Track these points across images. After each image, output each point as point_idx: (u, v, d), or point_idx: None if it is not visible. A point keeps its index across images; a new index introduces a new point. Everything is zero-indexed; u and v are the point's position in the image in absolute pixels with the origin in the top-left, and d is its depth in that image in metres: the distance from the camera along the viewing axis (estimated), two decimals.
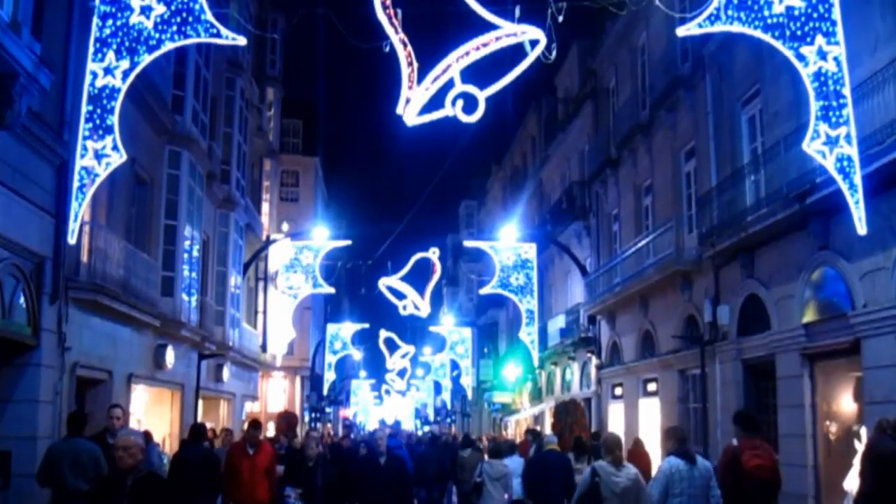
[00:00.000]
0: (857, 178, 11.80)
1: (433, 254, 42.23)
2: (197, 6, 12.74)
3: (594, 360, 31.54)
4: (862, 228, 11.94)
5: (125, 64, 12.68)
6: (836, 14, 12.00)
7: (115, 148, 12.73)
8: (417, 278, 42.51)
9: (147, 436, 16.29)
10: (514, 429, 46.53)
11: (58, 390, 14.68)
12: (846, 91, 11.86)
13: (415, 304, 42.12)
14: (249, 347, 32.58)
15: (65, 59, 14.46)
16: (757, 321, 18.48)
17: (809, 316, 16.33)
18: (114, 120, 12.64)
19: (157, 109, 19.74)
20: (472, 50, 13.64)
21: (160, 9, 12.69)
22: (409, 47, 13.67)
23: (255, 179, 37.27)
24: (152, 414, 21.80)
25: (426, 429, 65.78)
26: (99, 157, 12.69)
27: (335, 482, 13.55)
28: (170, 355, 20.98)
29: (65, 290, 14.91)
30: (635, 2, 16.28)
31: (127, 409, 18.21)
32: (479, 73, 13.85)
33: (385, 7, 13.50)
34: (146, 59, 12.84)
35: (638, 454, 21.25)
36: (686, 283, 22.58)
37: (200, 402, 24.24)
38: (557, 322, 36.35)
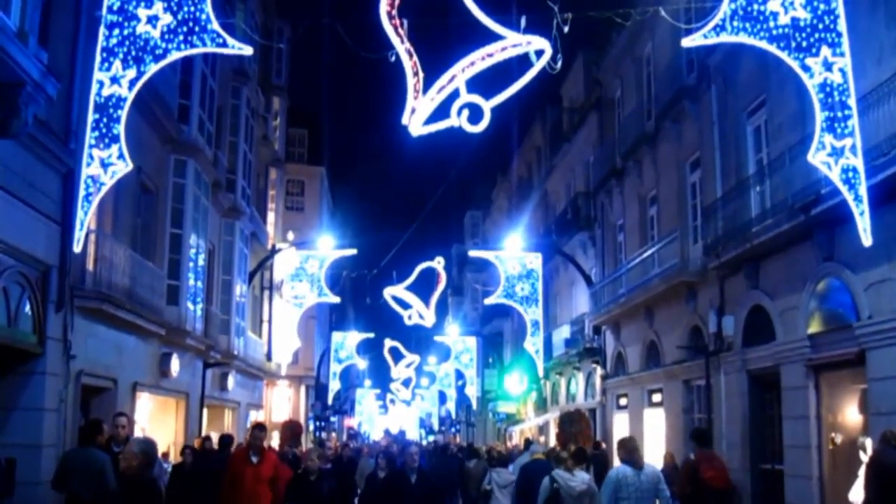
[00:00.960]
0: (863, 189, 11.78)
1: (438, 263, 42.17)
2: (203, 16, 12.77)
3: (599, 371, 31.51)
4: (867, 239, 11.93)
5: (131, 73, 12.70)
6: (842, 25, 11.99)
7: (120, 157, 12.75)
8: (422, 288, 42.49)
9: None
10: (519, 439, 46.45)
11: (63, 398, 14.71)
12: (851, 102, 11.85)
13: (420, 313, 42.08)
14: (254, 356, 32.61)
15: (71, 68, 14.51)
16: (762, 332, 18.46)
17: (814, 327, 16.31)
18: (120, 129, 12.66)
19: (163, 118, 19.78)
20: (478, 60, 13.65)
21: (167, 18, 12.71)
22: (415, 57, 13.68)
23: (261, 188, 37.33)
24: (157, 422, 21.80)
25: (430, 438, 65.73)
26: (105, 166, 12.70)
27: (337, 496, 12.73)
28: (175, 364, 20.99)
29: (70, 298, 14.93)
30: (641, 13, 16.32)
31: (132, 418, 18.24)
32: (485, 83, 13.85)
33: (391, 17, 13.51)
34: (152, 69, 12.86)
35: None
36: (691, 293, 22.56)
37: (205, 410, 24.24)
38: (562, 332, 36.30)
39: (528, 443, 21.61)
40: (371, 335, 55.13)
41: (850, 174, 11.83)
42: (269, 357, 36.31)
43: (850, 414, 15.80)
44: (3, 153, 12.28)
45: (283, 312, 35.67)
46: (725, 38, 12.52)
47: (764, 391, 18.85)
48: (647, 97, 27.44)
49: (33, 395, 13.94)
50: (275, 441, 26.13)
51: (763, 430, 18.79)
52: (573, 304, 37.20)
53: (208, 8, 12.79)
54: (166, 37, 12.70)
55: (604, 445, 24.66)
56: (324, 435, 44.38)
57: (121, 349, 17.98)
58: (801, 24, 12.04)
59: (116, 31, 12.76)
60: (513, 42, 13.63)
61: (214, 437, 19.07)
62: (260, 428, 12.96)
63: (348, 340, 49.18)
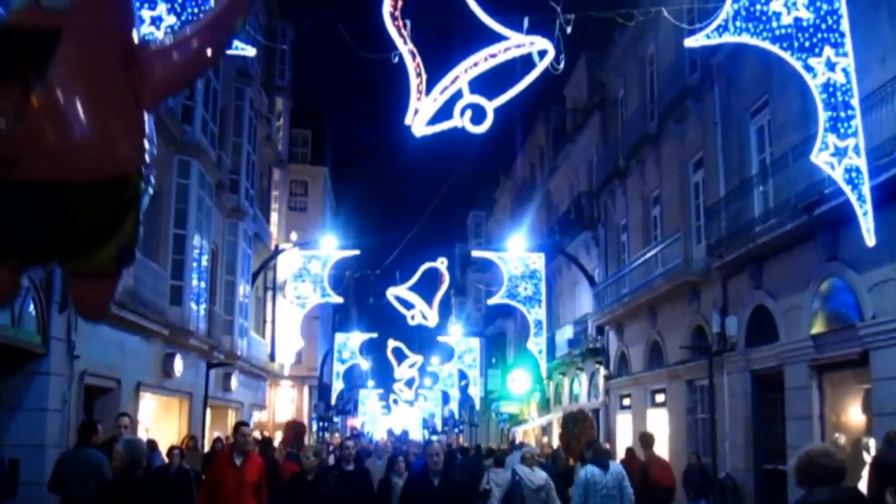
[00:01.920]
0: (866, 189, 11.78)
1: (441, 264, 42.25)
2: None
3: (602, 371, 31.50)
4: (870, 239, 11.93)
5: None
6: (845, 25, 11.99)
7: None
8: (425, 288, 42.56)
9: (152, 444, 16.33)
10: (522, 439, 46.46)
11: (66, 398, 14.73)
12: (854, 102, 11.85)
13: (423, 313, 42.14)
14: (258, 356, 32.63)
15: None
16: (765, 332, 18.45)
17: (818, 327, 16.31)
18: None
19: (166, 119, 19.81)
20: (481, 61, 13.67)
21: (170, 19, 12.74)
22: (418, 58, 13.70)
23: (264, 189, 37.36)
24: (160, 422, 21.82)
25: (434, 438, 65.68)
26: None
27: (335, 498, 11.39)
28: (178, 364, 21.02)
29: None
30: (644, 13, 16.32)
31: (135, 418, 18.24)
32: (488, 83, 13.88)
33: (394, 18, 13.54)
34: None
35: (631, 463, 21.19)
36: (694, 293, 22.55)
37: (208, 411, 24.27)
38: (565, 332, 36.29)
39: (514, 444, 21.89)
40: (374, 335, 55.14)
41: (854, 174, 11.84)
42: (272, 357, 36.33)
43: (854, 414, 15.80)
44: None
45: (286, 313, 35.72)
46: (728, 38, 12.53)
47: (767, 391, 18.85)
48: (650, 97, 27.43)
49: (37, 396, 13.97)
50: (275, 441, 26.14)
51: (766, 430, 18.78)
52: (576, 305, 37.19)
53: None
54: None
55: (607, 446, 24.63)
56: (327, 435, 44.36)
57: (124, 349, 18.00)
58: (804, 24, 12.04)
59: None
60: (516, 43, 13.65)
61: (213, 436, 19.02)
62: (246, 426, 11.74)
63: (351, 341, 49.20)
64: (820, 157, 12.00)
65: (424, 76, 13.76)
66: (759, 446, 18.90)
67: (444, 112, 13.75)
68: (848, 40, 11.96)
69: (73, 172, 3.40)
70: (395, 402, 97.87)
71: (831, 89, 11.92)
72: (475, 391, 53.84)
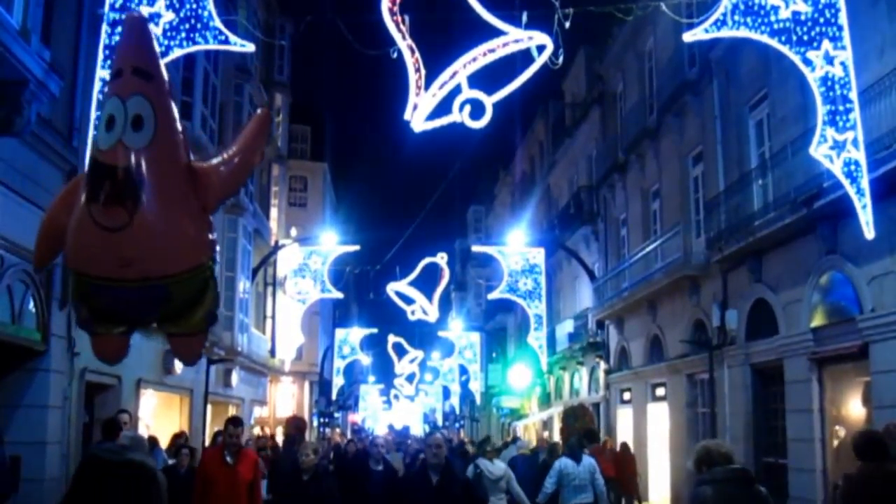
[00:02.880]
0: (865, 183, 11.78)
1: (441, 259, 42.17)
2: (205, 13, 12.78)
3: (602, 365, 31.55)
4: (869, 233, 11.93)
5: None
6: (843, 19, 11.99)
7: None
8: (426, 283, 42.48)
9: (152, 441, 16.35)
10: (523, 433, 46.52)
11: (67, 395, 14.73)
12: (853, 95, 11.85)
13: (423, 308, 42.08)
14: (258, 352, 32.63)
15: (74, 65, 14.52)
16: (765, 326, 18.48)
17: (817, 320, 16.33)
18: None
19: None
20: (480, 56, 13.66)
21: (169, 16, 12.73)
22: (417, 53, 13.70)
23: (264, 185, 37.34)
24: (161, 419, 21.84)
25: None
26: None
27: (336, 499, 10.49)
28: (178, 361, 21.01)
29: None
30: (642, 7, 16.31)
31: (136, 415, 18.25)
32: (487, 78, 13.87)
33: (392, 13, 13.53)
34: None
35: (625, 459, 21.28)
36: (694, 287, 22.58)
37: (209, 407, 24.28)
38: (566, 327, 36.34)
39: (514, 438, 22.26)
40: (374, 331, 55.11)
41: (853, 167, 11.84)
42: (272, 353, 36.33)
43: (854, 407, 15.83)
44: (6, 151, 12.30)
45: (286, 308, 35.73)
46: (727, 32, 12.53)
47: (767, 385, 18.88)
48: (649, 91, 27.45)
49: (37, 393, 13.96)
50: (275, 438, 26.17)
51: (766, 423, 18.82)
52: (576, 299, 37.24)
53: (210, 5, 12.81)
54: (168, 34, 12.71)
55: (607, 439, 24.69)
56: (328, 431, 44.39)
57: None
58: (802, 17, 12.04)
59: (119, 29, 12.77)
60: (514, 37, 13.65)
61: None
62: (235, 423, 10.79)
63: (352, 336, 49.17)
64: (819, 151, 12.00)
65: (423, 71, 13.75)
66: (760, 440, 18.94)
67: (443, 107, 13.74)
68: (846, 34, 11.96)
69: (166, 268, 4.83)
70: (396, 397, 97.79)
71: (830, 83, 11.92)
72: (476, 386, 53.87)
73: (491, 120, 13.78)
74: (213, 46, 13.34)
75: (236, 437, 10.45)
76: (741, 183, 19.15)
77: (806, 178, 15.41)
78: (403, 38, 13.63)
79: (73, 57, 14.53)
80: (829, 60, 11.89)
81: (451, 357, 58.30)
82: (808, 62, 12.00)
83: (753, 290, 19.07)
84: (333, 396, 48.31)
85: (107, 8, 12.83)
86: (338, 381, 48.23)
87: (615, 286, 28.76)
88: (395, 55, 13.75)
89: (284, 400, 42.96)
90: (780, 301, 17.86)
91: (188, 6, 12.72)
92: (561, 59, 13.72)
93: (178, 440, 16.88)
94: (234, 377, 28.38)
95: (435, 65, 13.80)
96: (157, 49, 5.19)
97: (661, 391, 25.72)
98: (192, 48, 13.14)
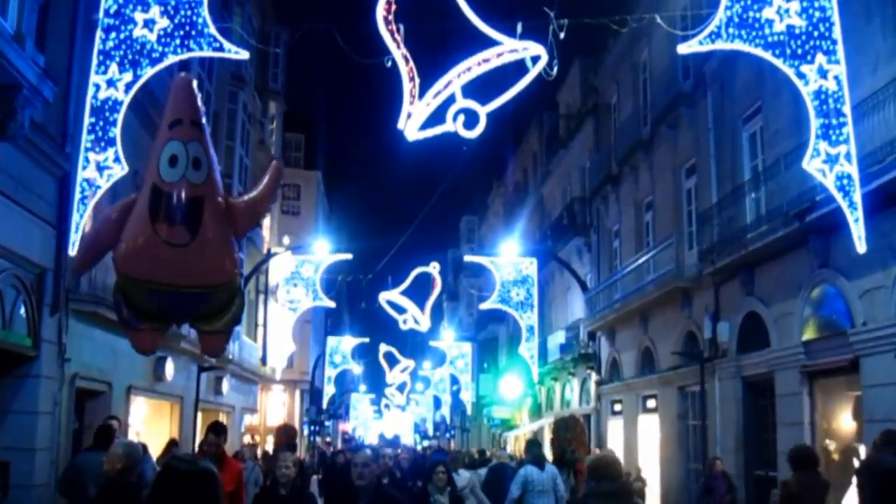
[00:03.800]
0: (857, 197, 11.80)
1: (434, 268, 42.11)
2: (200, 20, 12.77)
3: (594, 376, 31.54)
4: (861, 247, 11.95)
5: (128, 76, 12.69)
6: (837, 33, 12.02)
7: (116, 160, 12.73)
8: (418, 293, 42.42)
9: (142, 448, 16.24)
10: (514, 444, 46.45)
11: (57, 401, 14.67)
12: (846, 109, 11.87)
13: (415, 318, 42.01)
14: (249, 360, 32.58)
15: (68, 71, 14.51)
16: (757, 338, 18.48)
17: (809, 334, 16.34)
18: (116, 132, 12.64)
19: (159, 122, 19.71)
20: (474, 65, 13.66)
21: (163, 22, 12.71)
22: (411, 62, 13.70)
23: None
24: (151, 426, 21.76)
25: (425, 443, 65.63)
26: (101, 169, 12.69)
27: None
28: (169, 368, 20.95)
29: (65, 301, 14.91)
30: (637, 19, 16.35)
31: (126, 422, 18.19)
32: (481, 88, 13.86)
33: (387, 22, 13.54)
34: (149, 72, 12.85)
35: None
36: (686, 299, 22.59)
37: (200, 414, 24.21)
38: (557, 338, 36.34)
39: (482, 453, 22.84)
40: (366, 340, 55.06)
41: (845, 181, 11.85)
42: (263, 361, 36.25)
43: (845, 421, 15.84)
44: None
45: (278, 317, 35.64)
46: (721, 45, 12.54)
47: (758, 398, 18.88)
48: (643, 103, 27.50)
49: (28, 399, 13.91)
50: (267, 446, 26.10)
51: (758, 436, 18.81)
52: (568, 310, 37.23)
53: (205, 12, 12.79)
54: (163, 40, 12.69)
55: (597, 451, 24.65)
56: (318, 440, 44.29)
57: (116, 352, 17.93)
58: (797, 31, 12.06)
59: (113, 35, 12.74)
60: (509, 48, 13.65)
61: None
62: (216, 430, 10.11)
63: (343, 345, 49.09)
64: (811, 164, 12.01)
65: (417, 81, 13.75)
66: (751, 452, 18.93)
67: (437, 117, 13.73)
68: (840, 48, 11.99)
69: (214, 279, 6.17)
70: (387, 406, 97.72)
71: (823, 96, 11.94)
72: (467, 396, 53.79)
73: (485, 130, 13.78)
74: (207, 53, 13.33)
75: (216, 447, 9.71)
76: (734, 195, 19.18)
77: (799, 191, 15.43)
78: (398, 47, 13.63)
79: (67, 62, 14.52)
80: (823, 74, 11.91)
81: (443, 367, 58.25)
82: (801, 76, 12.02)
83: (745, 302, 19.09)
84: (324, 405, 48.23)
85: (101, 14, 12.79)
86: (329, 390, 48.18)
87: (607, 297, 28.75)
88: (389, 64, 13.74)
89: (275, 408, 42.87)
90: (771, 314, 17.87)
91: (183, 13, 12.70)
92: (555, 69, 13.73)
93: (173, 448, 16.73)
94: (225, 385, 28.32)
95: (429, 74, 13.80)
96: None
97: (652, 403, 25.71)
98: (187, 55, 13.12)
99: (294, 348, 36.66)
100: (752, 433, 18.99)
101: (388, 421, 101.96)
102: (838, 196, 11.94)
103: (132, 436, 18.31)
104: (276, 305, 36.01)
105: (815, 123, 11.95)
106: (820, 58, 11.96)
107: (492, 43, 13.70)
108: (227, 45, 13.05)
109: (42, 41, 13.10)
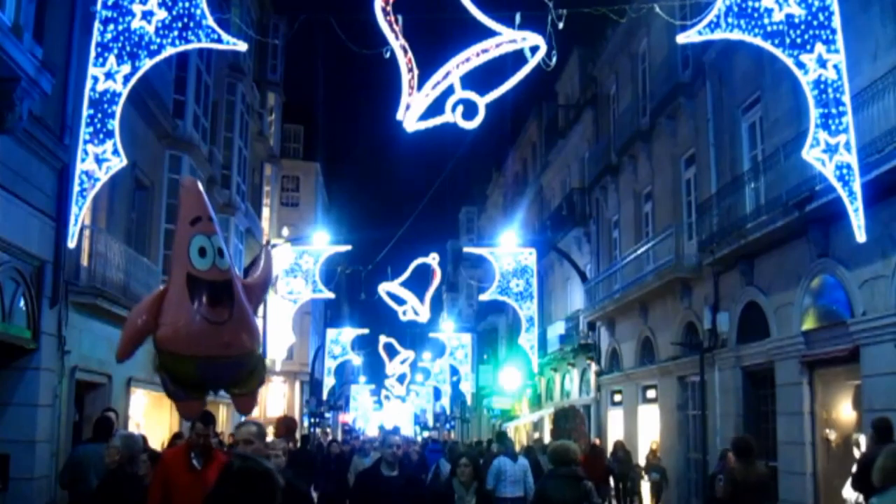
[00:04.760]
0: (857, 186, 11.80)
1: (433, 259, 42.12)
2: (198, 11, 12.75)
3: (593, 367, 31.53)
4: (861, 236, 11.95)
5: (126, 68, 12.68)
6: (836, 22, 12.00)
7: (115, 152, 12.73)
8: (417, 284, 42.43)
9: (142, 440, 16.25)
10: (514, 435, 46.52)
11: (57, 394, 14.68)
12: (846, 99, 11.86)
13: (414, 309, 42.03)
14: None
15: (66, 63, 14.48)
16: (756, 328, 18.48)
17: (809, 323, 16.34)
18: (114, 124, 12.64)
19: (157, 114, 19.75)
20: (473, 56, 13.65)
21: (161, 14, 12.69)
22: (410, 53, 13.68)
23: (256, 184, 37.30)
24: (151, 418, 21.77)
25: (425, 434, 65.69)
26: (99, 162, 12.68)
27: None
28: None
29: (65, 293, 14.91)
30: (636, 9, 16.32)
31: (126, 414, 18.20)
32: (480, 79, 13.86)
33: (386, 13, 13.51)
34: (147, 64, 12.84)
35: (593, 461, 21.12)
36: (686, 290, 22.58)
37: None
38: (557, 328, 36.34)
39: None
40: (366, 331, 55.06)
41: (845, 171, 11.85)
42: (263, 353, 36.26)
43: (844, 410, 15.84)
44: None
45: (277, 308, 35.64)
46: (720, 34, 12.52)
47: (758, 388, 18.88)
48: (643, 93, 27.46)
49: (27, 391, 13.92)
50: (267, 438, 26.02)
51: (757, 426, 18.81)
52: (568, 301, 37.23)
53: (203, 3, 12.78)
54: (161, 32, 12.67)
55: (598, 441, 24.70)
56: (318, 431, 44.31)
57: (115, 345, 17.73)
58: (796, 20, 12.05)
59: (111, 27, 12.73)
60: (508, 38, 13.64)
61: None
62: (205, 420, 8.66)
63: (343, 336, 49.11)
64: (811, 154, 12.01)
65: (416, 71, 13.73)
66: None
67: (436, 107, 13.72)
68: (839, 37, 11.97)
69: (248, 347, 7.24)
70: (387, 397, 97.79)
71: (823, 86, 11.93)
72: (467, 387, 53.86)
73: (484, 121, 13.77)
74: (205, 45, 13.31)
75: (205, 438, 8.55)
76: (733, 185, 19.15)
77: (798, 181, 15.40)
78: (396, 37, 13.61)
79: (65, 54, 14.50)
80: (823, 63, 11.90)
81: (443, 358, 58.32)
82: (801, 65, 12.01)
83: (745, 292, 19.08)
84: (324, 396, 48.27)
85: (99, 5, 12.78)
86: (329, 382, 48.22)
87: (607, 288, 28.74)
88: (388, 55, 13.73)
89: (275, 400, 42.95)
90: (771, 304, 17.86)
91: (181, 4, 12.69)
92: (554, 60, 13.71)
93: (177, 441, 16.66)
94: None
95: (428, 65, 13.79)
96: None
97: (651, 393, 25.72)
98: (185, 46, 13.11)
99: (294, 340, 36.70)
100: (752, 423, 18.99)
101: (388, 412, 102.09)
102: (838, 185, 11.94)
103: (132, 428, 18.31)
104: (276, 297, 35.99)
105: (814, 113, 11.94)
106: (819, 47, 11.95)
107: (490, 33, 13.69)
108: (225, 36, 13.04)
109: (40, 33, 13.08)
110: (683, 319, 22.84)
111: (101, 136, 12.65)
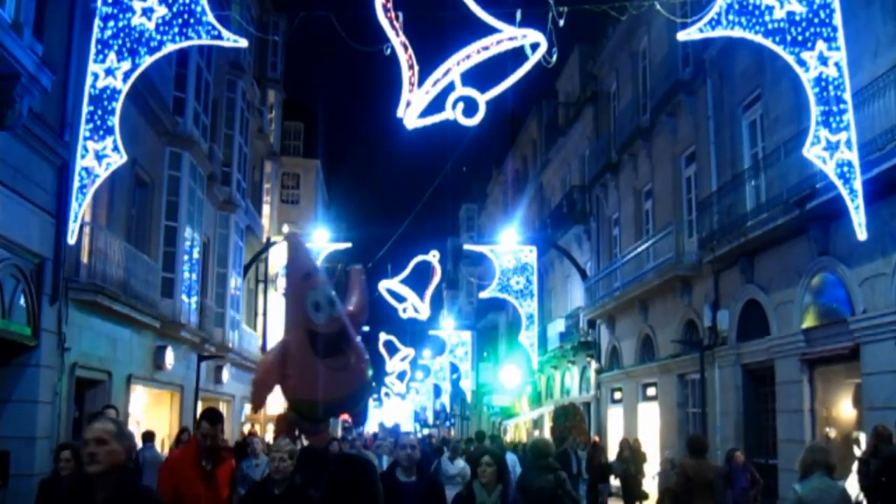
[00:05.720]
0: (858, 184, 11.79)
1: (433, 257, 42.17)
2: (198, 8, 12.74)
3: (593, 365, 31.54)
4: (862, 234, 11.95)
5: (126, 65, 12.68)
6: (837, 19, 12.00)
7: (115, 149, 12.73)
8: (417, 281, 42.49)
9: (150, 435, 16.32)
10: (514, 432, 46.54)
11: (57, 391, 14.67)
12: (847, 96, 11.86)
13: (415, 306, 42.07)
14: (249, 349, 32.56)
15: (66, 60, 14.46)
16: (756, 326, 18.48)
17: (809, 321, 16.33)
18: (114, 121, 12.64)
19: (158, 111, 19.73)
20: (473, 53, 13.64)
21: (161, 10, 12.68)
22: (410, 50, 13.67)
23: (256, 181, 37.26)
24: (151, 415, 21.77)
25: (425, 431, 65.72)
26: (99, 158, 12.68)
27: None
28: (169, 357, 20.95)
29: (65, 290, 14.90)
30: (637, 7, 16.30)
31: (126, 411, 18.20)
32: (480, 76, 13.86)
33: (386, 10, 13.50)
34: (147, 61, 12.84)
35: (591, 457, 21.15)
36: (686, 287, 22.58)
37: (200, 403, 24.22)
38: (557, 326, 36.34)
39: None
40: (366, 328, 55.06)
41: (846, 168, 11.85)
42: (263, 350, 36.18)
43: (845, 408, 15.84)
44: None
45: (277, 305, 35.66)
46: (721, 31, 12.51)
47: (758, 385, 18.88)
48: (643, 91, 27.45)
49: (27, 388, 13.91)
50: (267, 437, 26.10)
51: (757, 424, 18.82)
52: (568, 298, 37.22)
53: (203, 0, 12.77)
54: (161, 29, 12.67)
55: (597, 439, 24.71)
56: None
57: (115, 342, 17.95)
58: (797, 18, 12.04)
59: (111, 23, 12.72)
60: (508, 35, 13.63)
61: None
62: (212, 419, 8.19)
63: None
64: (812, 152, 12.00)
65: (416, 68, 13.73)
66: (750, 440, 18.93)
67: (436, 105, 13.72)
68: (840, 35, 11.96)
69: (363, 381, 8.25)
70: (387, 395, 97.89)
71: (823, 83, 11.93)
72: (467, 384, 53.85)
73: (484, 118, 13.77)
74: (205, 41, 13.32)
75: (212, 438, 8.01)
76: (734, 183, 19.15)
77: (799, 178, 15.40)
78: (397, 34, 13.60)
79: (65, 51, 14.48)
80: (824, 61, 11.90)
81: (443, 355, 58.29)
82: (802, 63, 12.00)
83: (745, 290, 19.08)
84: None
85: (99, 2, 12.78)
86: None
87: (607, 286, 28.74)
88: (388, 52, 13.72)
89: (276, 397, 42.85)
90: (771, 302, 17.86)
91: (181, 1, 12.69)
92: (555, 57, 13.71)
93: (182, 436, 16.67)
94: (225, 373, 28.33)
95: (428, 62, 13.79)
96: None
97: (652, 391, 25.73)
98: (185, 43, 13.11)
99: None
100: (752, 421, 19.00)
101: (387, 409, 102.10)
102: (839, 183, 11.93)
103: (132, 425, 18.32)
104: (276, 294, 36.03)
105: (815, 110, 11.94)
106: (820, 44, 11.94)
107: (491, 30, 13.68)
108: (225, 33, 13.03)
109: (40, 30, 13.05)
110: (683, 317, 22.84)
111: (102, 132, 12.65)
